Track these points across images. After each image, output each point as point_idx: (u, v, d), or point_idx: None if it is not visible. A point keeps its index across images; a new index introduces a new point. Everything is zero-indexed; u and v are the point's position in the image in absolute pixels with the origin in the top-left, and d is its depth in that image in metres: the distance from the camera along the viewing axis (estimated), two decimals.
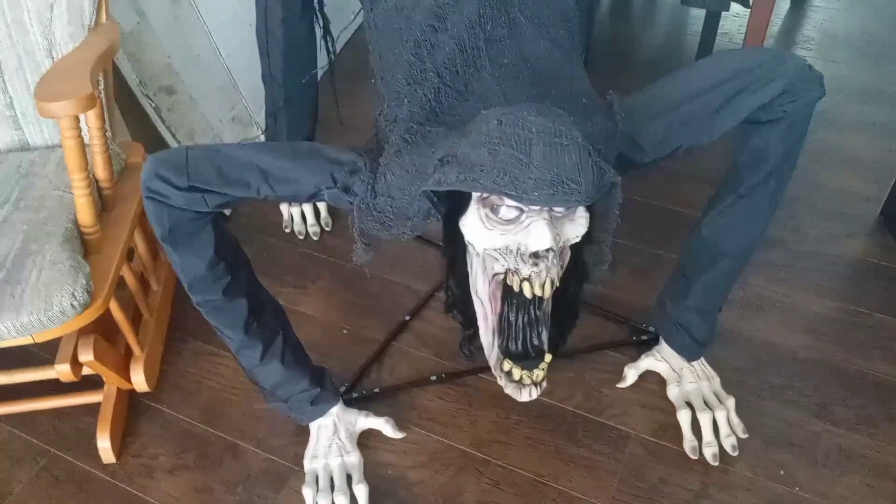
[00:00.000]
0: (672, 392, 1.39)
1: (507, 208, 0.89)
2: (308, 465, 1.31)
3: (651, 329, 1.50)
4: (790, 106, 1.06)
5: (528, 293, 0.93)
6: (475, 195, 0.91)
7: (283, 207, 1.80)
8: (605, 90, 1.11)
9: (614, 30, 2.53)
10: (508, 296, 0.97)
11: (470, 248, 0.96)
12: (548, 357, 1.00)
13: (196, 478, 1.33)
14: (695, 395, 1.37)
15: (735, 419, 1.35)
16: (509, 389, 1.01)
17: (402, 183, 0.99)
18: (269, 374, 1.23)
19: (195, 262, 1.05)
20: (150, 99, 1.65)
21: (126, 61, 1.64)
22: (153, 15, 1.66)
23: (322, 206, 1.82)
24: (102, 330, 1.35)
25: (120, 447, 1.37)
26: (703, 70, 1.10)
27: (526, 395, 1.00)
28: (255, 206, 1.83)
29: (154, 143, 1.72)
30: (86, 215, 1.22)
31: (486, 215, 0.91)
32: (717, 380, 1.40)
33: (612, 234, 1.00)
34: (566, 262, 0.97)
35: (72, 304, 1.12)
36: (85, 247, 1.24)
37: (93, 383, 1.39)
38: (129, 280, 1.38)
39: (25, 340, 1.13)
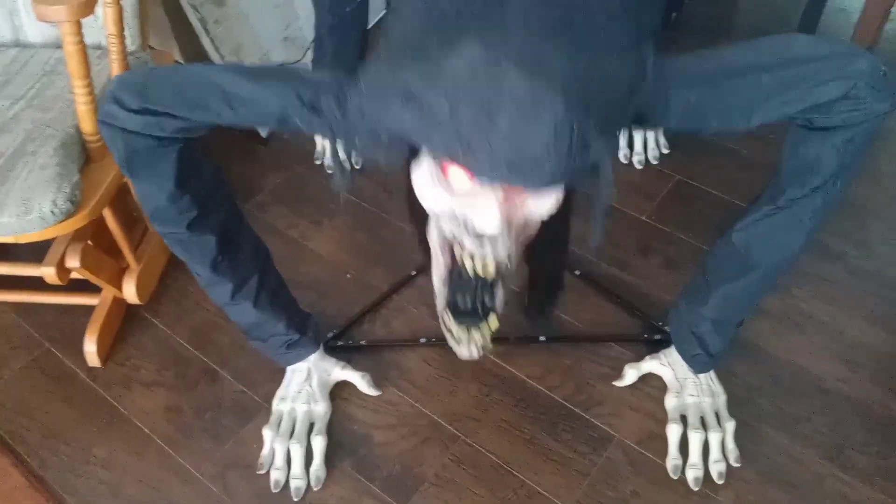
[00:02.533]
0: (669, 402, 1.28)
1: (457, 175, 0.76)
2: (275, 405, 1.29)
3: (667, 329, 1.38)
4: (852, 115, 0.88)
5: (469, 269, 0.84)
6: None
7: (318, 138, 1.75)
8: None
9: None
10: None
11: None
12: (493, 320, 0.91)
13: (170, 397, 1.35)
14: (692, 411, 1.25)
15: (731, 444, 1.22)
16: (451, 342, 0.94)
17: (371, 104, 0.80)
18: (241, 314, 1.19)
19: (154, 192, 0.98)
20: (195, 9, 1.62)
21: None
22: None
23: None
24: (105, 239, 1.37)
25: (107, 353, 1.40)
26: (764, 47, 0.91)
27: (465, 352, 0.93)
28: (294, 134, 1.79)
29: (198, 56, 1.70)
30: (87, 123, 1.20)
31: (436, 173, 0.79)
32: (722, 398, 1.27)
33: (603, 211, 0.87)
34: (532, 234, 0.86)
35: (52, 211, 1.12)
36: (87, 154, 1.24)
37: (96, 286, 1.41)
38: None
39: (9, 239, 1.14)
